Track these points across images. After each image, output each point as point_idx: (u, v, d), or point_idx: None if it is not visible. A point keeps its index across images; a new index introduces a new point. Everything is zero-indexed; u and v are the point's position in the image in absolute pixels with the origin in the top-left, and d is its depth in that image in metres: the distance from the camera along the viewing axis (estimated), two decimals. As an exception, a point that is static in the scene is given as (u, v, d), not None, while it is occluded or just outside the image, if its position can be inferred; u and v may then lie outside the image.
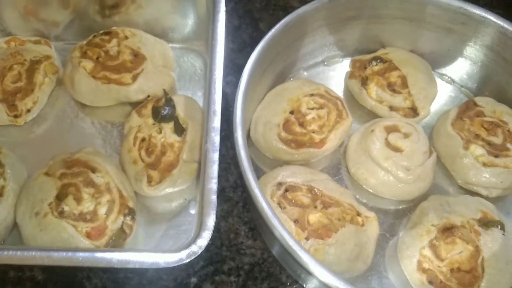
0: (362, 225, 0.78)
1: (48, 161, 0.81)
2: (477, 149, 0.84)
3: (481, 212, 0.79)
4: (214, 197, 0.67)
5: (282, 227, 0.65)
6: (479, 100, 0.90)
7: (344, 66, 1.00)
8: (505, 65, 0.89)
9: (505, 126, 0.86)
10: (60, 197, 0.74)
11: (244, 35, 1.04)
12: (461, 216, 0.78)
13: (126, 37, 0.92)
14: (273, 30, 0.83)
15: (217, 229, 0.79)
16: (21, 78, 0.88)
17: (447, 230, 0.77)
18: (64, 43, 0.98)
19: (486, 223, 0.77)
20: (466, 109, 0.89)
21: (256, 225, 0.82)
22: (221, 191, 0.85)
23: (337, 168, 0.89)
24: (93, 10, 0.95)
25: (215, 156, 0.70)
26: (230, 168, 0.88)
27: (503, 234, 0.77)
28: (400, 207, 0.85)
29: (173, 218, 0.81)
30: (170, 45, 0.97)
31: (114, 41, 0.91)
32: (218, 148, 0.71)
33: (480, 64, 0.93)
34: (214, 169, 0.69)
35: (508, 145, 0.84)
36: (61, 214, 0.73)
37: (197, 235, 0.64)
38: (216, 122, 0.73)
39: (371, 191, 0.85)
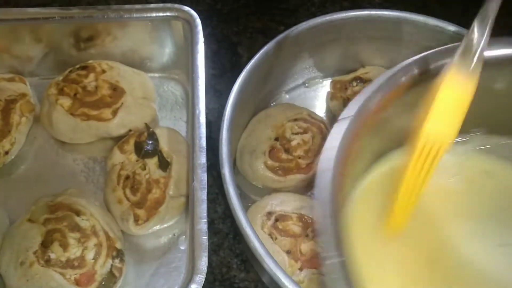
0: (355, 250, 0.78)
1: (30, 204, 0.79)
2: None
3: None
4: (204, 238, 0.66)
5: (275, 264, 0.64)
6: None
7: (325, 86, 1.00)
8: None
9: None
10: (46, 244, 0.72)
11: (224, 60, 1.03)
12: None
13: (104, 71, 0.90)
14: (253, 60, 0.82)
15: (208, 263, 0.78)
16: (-4, 119, 0.86)
17: None
18: (39, 78, 0.96)
19: None
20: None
21: (248, 256, 0.81)
22: (210, 223, 0.83)
23: (325, 192, 0.89)
24: (68, 44, 0.93)
25: (203, 194, 0.69)
26: (218, 198, 0.87)
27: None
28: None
29: (163, 255, 0.80)
30: (149, 74, 0.96)
31: (92, 75, 0.89)
32: (205, 186, 0.70)
33: (458, 79, 0.94)
34: (203, 209, 0.68)
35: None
36: (48, 262, 0.71)
37: (190, 279, 0.63)
38: (203, 158, 0.72)
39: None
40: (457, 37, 0.87)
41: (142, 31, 0.92)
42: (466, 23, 0.87)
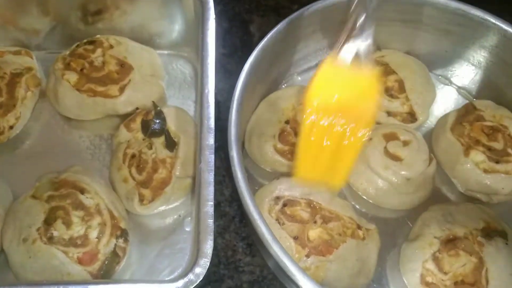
0: (363, 238, 0.76)
1: (34, 180, 0.78)
2: (478, 155, 0.82)
3: (483, 221, 0.77)
4: (210, 221, 0.64)
5: (281, 249, 0.62)
6: (478, 103, 0.88)
7: (338, 69, 0.96)
8: (505, 67, 0.87)
9: (505, 130, 0.84)
10: (49, 222, 0.71)
11: (235, 39, 1.00)
12: (464, 227, 0.76)
13: (111, 46, 0.87)
14: (264, 40, 0.79)
15: (214, 246, 0.76)
16: (1, 93, 0.83)
17: (450, 242, 0.75)
18: (46, 52, 0.93)
19: (489, 233, 0.76)
20: (465, 113, 0.87)
21: (254, 241, 0.80)
22: (216, 206, 0.81)
23: (335, 177, 0.86)
24: (75, 17, 0.90)
25: (210, 176, 0.67)
26: (225, 181, 0.85)
27: (507, 244, 0.75)
28: (400, 215, 0.83)
29: (168, 236, 0.78)
30: (158, 51, 0.93)
31: (99, 50, 0.86)
32: (213, 168, 0.68)
33: (478, 66, 0.90)
34: (209, 191, 0.66)
35: (509, 150, 0.83)
36: (51, 239, 0.70)
37: (195, 262, 0.62)
38: (211, 139, 0.70)
39: (370, 201, 0.83)
40: (480, 21, 0.84)
41: (151, 6, 0.89)
42: (489, 7, 0.83)
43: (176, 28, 0.93)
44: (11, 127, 0.84)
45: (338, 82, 0.63)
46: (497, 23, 0.83)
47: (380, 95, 0.88)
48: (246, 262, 0.78)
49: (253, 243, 0.80)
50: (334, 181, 0.70)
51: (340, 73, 0.63)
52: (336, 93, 0.64)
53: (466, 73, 0.93)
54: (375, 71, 0.65)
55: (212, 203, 0.66)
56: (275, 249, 0.62)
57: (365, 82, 0.65)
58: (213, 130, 0.71)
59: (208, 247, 0.63)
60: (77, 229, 0.71)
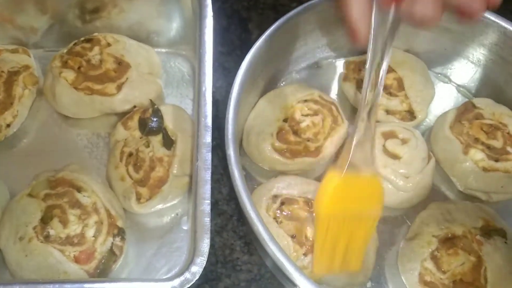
0: (361, 237, 0.75)
1: (31, 178, 0.78)
2: (477, 154, 0.82)
3: (482, 220, 0.77)
4: (207, 220, 0.64)
5: (278, 248, 0.62)
6: (477, 101, 0.87)
7: (337, 67, 0.96)
8: (504, 65, 0.86)
9: (505, 128, 0.84)
10: (45, 220, 0.71)
11: (233, 37, 0.99)
12: (462, 225, 0.75)
13: (109, 44, 0.87)
14: (263, 37, 0.79)
15: (211, 245, 0.76)
16: (-2, 91, 0.83)
17: (449, 241, 0.75)
18: (44, 50, 0.93)
19: (488, 231, 0.75)
20: (465, 111, 0.86)
21: (251, 239, 0.79)
22: (214, 204, 0.82)
23: (333, 176, 0.86)
24: (73, 15, 0.90)
25: (207, 175, 0.67)
26: (222, 179, 0.85)
27: (506, 243, 0.75)
28: (399, 214, 0.83)
29: (165, 234, 0.78)
30: (156, 49, 0.93)
31: (96, 49, 0.86)
32: (210, 166, 0.68)
33: (478, 64, 0.90)
34: (206, 189, 0.66)
35: (508, 148, 0.82)
36: (47, 238, 0.70)
37: (191, 261, 0.61)
38: (208, 137, 0.70)
39: (369, 200, 0.82)
40: (481, 20, 0.83)
41: (149, 4, 0.89)
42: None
43: (174, 26, 0.92)
44: (8, 125, 0.83)
45: (345, 189, 0.67)
46: (497, 20, 0.83)
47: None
48: (244, 260, 0.78)
49: (251, 241, 0.79)
50: (351, 267, 0.72)
51: (346, 180, 0.67)
52: (344, 201, 0.67)
53: (466, 71, 0.93)
54: (376, 174, 0.71)
55: (208, 201, 0.65)
56: (272, 248, 0.61)
57: (370, 184, 0.69)
58: (210, 128, 0.71)
59: (205, 245, 0.62)
60: (74, 228, 0.71)
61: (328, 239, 0.69)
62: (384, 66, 0.63)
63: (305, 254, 0.71)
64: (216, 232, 0.80)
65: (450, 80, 0.96)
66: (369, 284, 0.77)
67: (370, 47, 0.61)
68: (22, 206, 0.72)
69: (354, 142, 0.66)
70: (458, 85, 0.95)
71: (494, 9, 0.53)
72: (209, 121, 0.71)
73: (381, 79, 0.63)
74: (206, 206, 0.65)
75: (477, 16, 0.50)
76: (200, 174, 0.67)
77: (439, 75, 0.96)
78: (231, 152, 0.68)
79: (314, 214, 0.71)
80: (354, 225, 0.69)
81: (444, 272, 0.73)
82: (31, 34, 0.92)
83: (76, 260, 0.69)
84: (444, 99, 0.94)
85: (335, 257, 0.71)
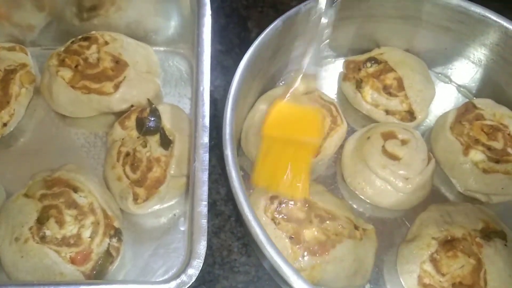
0: (360, 238, 0.75)
1: (28, 178, 0.77)
2: (477, 155, 0.81)
3: (482, 222, 0.76)
4: (204, 221, 0.63)
5: (275, 251, 0.61)
6: (478, 102, 0.87)
7: (337, 66, 0.95)
8: (505, 65, 0.85)
9: (505, 129, 0.83)
10: (41, 221, 0.70)
11: (232, 35, 0.99)
12: (462, 228, 0.75)
13: (106, 43, 0.86)
14: (262, 36, 0.78)
15: (209, 246, 0.75)
16: (-5, 89, 0.83)
17: (448, 243, 0.74)
18: (41, 48, 0.92)
19: (488, 234, 0.75)
20: (465, 112, 0.86)
21: (249, 240, 0.79)
22: (212, 205, 0.81)
23: (333, 176, 0.85)
24: (71, 13, 0.89)
25: (204, 176, 0.66)
26: (221, 179, 0.84)
27: (506, 245, 0.74)
28: (398, 215, 0.82)
29: (162, 235, 0.77)
30: (154, 48, 0.92)
31: (94, 47, 0.85)
32: (207, 167, 0.67)
33: (478, 64, 0.89)
34: (203, 191, 0.65)
35: (509, 149, 0.81)
36: (43, 239, 0.69)
37: (187, 263, 0.61)
38: (205, 138, 0.69)
39: (368, 201, 0.82)
40: (481, 19, 0.82)
41: (147, 2, 0.88)
42: (490, 4, 0.82)
43: (172, 24, 0.91)
44: (5, 124, 0.83)
45: (287, 115, 0.72)
46: (498, 20, 0.82)
47: (379, 94, 0.87)
48: (242, 262, 0.77)
49: (249, 243, 0.79)
50: (299, 194, 0.73)
51: (290, 108, 0.72)
52: (285, 125, 0.72)
53: (466, 71, 0.92)
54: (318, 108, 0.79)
55: (205, 203, 0.65)
56: (270, 251, 0.61)
57: (311, 115, 0.73)
58: (208, 129, 0.70)
59: (201, 247, 0.62)
60: (70, 228, 0.70)
61: (269, 156, 0.72)
62: None
63: (303, 256, 0.71)
64: (213, 233, 0.79)
65: (450, 80, 0.95)
66: (367, 286, 0.76)
67: None
68: (18, 206, 0.72)
69: (301, 75, 0.72)
70: (459, 85, 0.95)
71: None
72: (206, 121, 0.71)
73: None
74: (203, 207, 0.64)
75: None
76: (197, 175, 0.66)
77: (440, 75, 0.95)
78: (228, 152, 0.67)
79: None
80: (293, 148, 0.72)
81: (443, 275, 0.72)
82: (28, 31, 0.91)
83: (72, 261, 0.69)
84: (444, 99, 0.93)
85: (275, 175, 0.72)
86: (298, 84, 0.72)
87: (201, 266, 0.61)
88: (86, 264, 0.70)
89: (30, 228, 0.69)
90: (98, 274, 0.70)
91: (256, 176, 0.73)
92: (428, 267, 0.73)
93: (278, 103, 0.72)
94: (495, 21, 0.82)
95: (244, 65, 0.75)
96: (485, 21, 0.82)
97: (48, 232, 0.69)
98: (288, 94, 0.72)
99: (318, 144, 0.79)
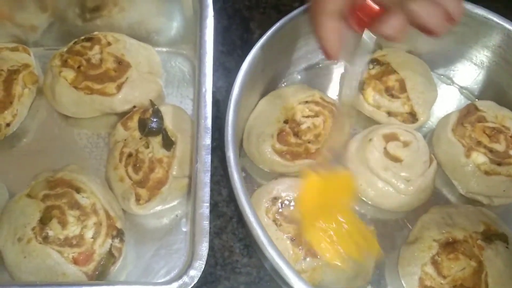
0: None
1: (30, 178, 0.77)
2: (479, 157, 0.81)
3: (483, 224, 0.76)
4: (206, 223, 0.63)
5: (277, 253, 0.61)
6: (480, 104, 0.87)
7: (339, 67, 0.95)
8: (507, 67, 0.85)
9: (507, 132, 0.83)
10: (44, 221, 0.70)
11: (234, 37, 0.99)
12: (463, 230, 0.75)
13: (109, 43, 0.86)
14: (264, 37, 0.78)
15: (210, 247, 0.75)
16: (-2, 90, 0.83)
17: (449, 245, 0.74)
18: (44, 48, 0.92)
19: (489, 236, 0.75)
20: (467, 114, 0.85)
21: (251, 242, 0.79)
22: (213, 206, 0.81)
23: (334, 178, 0.85)
24: (73, 14, 0.89)
25: (206, 177, 0.66)
26: (223, 180, 0.84)
27: (507, 247, 0.74)
28: (400, 217, 0.82)
29: (164, 236, 0.78)
30: (156, 49, 0.92)
31: (96, 48, 0.85)
32: (209, 169, 0.67)
33: (481, 65, 0.89)
34: (205, 192, 0.65)
35: (511, 152, 0.81)
36: (46, 239, 0.69)
37: (189, 265, 0.61)
38: (207, 139, 0.69)
39: (369, 203, 0.82)
40: (484, 21, 0.82)
41: (150, 3, 0.88)
42: (493, 6, 0.82)
43: (174, 25, 0.92)
44: (7, 125, 0.83)
45: (322, 188, 0.70)
46: (501, 22, 0.82)
47: (381, 95, 0.87)
48: (243, 263, 0.78)
49: (250, 244, 0.79)
50: (373, 251, 0.73)
51: (322, 180, 0.70)
52: (324, 200, 0.70)
53: (469, 72, 0.92)
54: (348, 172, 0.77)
55: (207, 204, 0.65)
56: (271, 253, 0.61)
57: (345, 181, 0.74)
58: (210, 130, 0.71)
59: (203, 249, 0.62)
60: (73, 229, 0.71)
61: (322, 236, 0.70)
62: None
63: (304, 258, 0.71)
64: (215, 234, 0.79)
65: (453, 82, 0.95)
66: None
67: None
68: (21, 207, 0.72)
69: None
70: (461, 87, 0.95)
71: (454, 26, 0.56)
72: (208, 122, 0.71)
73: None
74: (205, 209, 0.64)
75: (439, 35, 0.56)
76: (199, 176, 0.67)
77: (442, 76, 0.95)
78: (230, 154, 0.68)
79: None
80: (335, 214, 0.71)
81: (444, 277, 0.72)
82: (31, 32, 0.91)
83: (75, 261, 0.69)
84: (446, 101, 0.93)
85: (339, 246, 0.70)
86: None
87: (203, 267, 0.61)
88: (89, 264, 0.70)
89: (33, 229, 0.70)
90: (100, 274, 0.71)
91: (332, 257, 0.70)
92: (430, 269, 0.73)
93: (310, 178, 0.70)
94: (498, 23, 0.82)
95: (246, 67, 0.75)
96: (488, 23, 0.82)
97: (50, 233, 0.70)
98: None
99: (353, 204, 0.78)
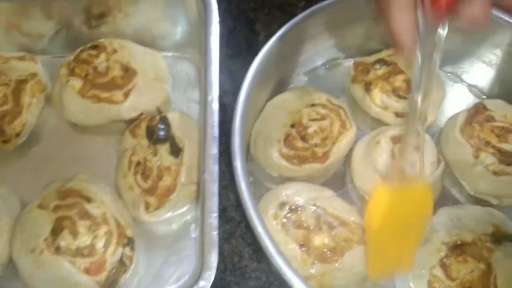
0: (370, 244, 0.75)
1: (41, 187, 0.78)
2: (488, 158, 0.80)
3: (492, 225, 0.76)
4: (215, 233, 0.64)
5: (285, 263, 0.62)
6: (489, 103, 0.86)
7: (345, 68, 0.95)
8: (517, 65, 0.84)
9: None
10: (56, 232, 0.71)
11: (239, 38, 0.98)
12: (472, 232, 0.75)
13: (115, 51, 0.86)
14: (270, 42, 0.78)
15: (220, 252, 0.76)
16: (7, 100, 0.83)
17: (458, 248, 0.74)
18: (51, 56, 0.93)
19: (498, 238, 0.75)
20: (475, 113, 0.85)
21: (260, 247, 0.80)
22: (222, 211, 0.82)
23: (342, 180, 0.85)
24: (79, 21, 0.89)
25: (214, 187, 0.67)
26: (230, 185, 0.84)
27: (516, 249, 0.74)
28: (408, 218, 0.82)
29: (174, 242, 0.79)
30: (162, 54, 0.92)
31: (103, 55, 0.86)
32: (217, 179, 0.68)
33: (489, 64, 0.88)
34: (213, 202, 0.66)
35: (520, 152, 0.81)
36: (58, 250, 0.70)
37: (199, 275, 0.62)
38: (215, 148, 0.70)
39: (378, 205, 0.82)
40: (494, 21, 0.81)
41: (154, 8, 0.88)
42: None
43: (179, 29, 0.92)
44: (17, 135, 0.84)
45: (396, 203, 0.67)
46: (510, 20, 0.81)
47: (388, 96, 0.87)
48: (253, 268, 0.78)
49: (259, 248, 0.79)
50: (403, 268, 0.74)
51: (397, 194, 0.66)
52: (395, 214, 0.67)
53: (477, 71, 0.91)
54: (426, 182, 0.70)
55: (216, 214, 0.66)
56: (280, 263, 0.62)
57: (420, 194, 0.69)
58: (217, 139, 0.71)
59: (213, 260, 0.63)
60: (84, 239, 0.72)
61: (380, 248, 0.71)
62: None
63: (313, 263, 0.71)
64: (224, 239, 0.80)
65: (461, 80, 0.94)
66: (378, 291, 0.77)
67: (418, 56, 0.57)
68: (33, 218, 0.73)
69: (403, 154, 0.65)
70: (470, 85, 0.94)
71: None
72: (216, 131, 0.71)
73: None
74: (213, 219, 0.65)
75: None
76: (207, 186, 0.67)
77: (450, 74, 0.94)
78: (237, 164, 0.68)
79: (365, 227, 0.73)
80: (404, 232, 0.70)
81: (453, 280, 0.72)
82: (38, 40, 0.92)
83: (87, 271, 0.70)
84: (455, 99, 0.93)
85: (387, 263, 0.73)
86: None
87: (213, 278, 0.62)
88: (101, 274, 0.71)
89: (45, 240, 0.71)
90: (112, 283, 0.72)
91: (371, 271, 0.73)
92: (438, 272, 0.73)
93: (385, 193, 0.67)
94: (507, 22, 0.81)
95: (251, 74, 0.75)
96: (498, 22, 0.81)
97: (62, 243, 0.71)
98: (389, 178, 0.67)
99: (429, 219, 0.74)
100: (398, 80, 0.87)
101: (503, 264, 0.72)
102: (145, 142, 0.81)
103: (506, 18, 0.80)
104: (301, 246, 0.73)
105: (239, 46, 0.97)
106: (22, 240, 0.72)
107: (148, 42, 0.92)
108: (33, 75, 0.87)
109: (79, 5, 0.87)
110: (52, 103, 0.88)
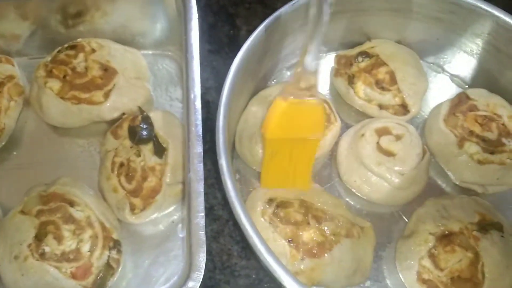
0: (358, 237, 0.75)
1: (23, 192, 0.77)
2: (472, 147, 0.81)
3: (478, 214, 0.77)
4: (202, 233, 0.63)
5: (275, 260, 0.62)
6: (471, 92, 0.86)
7: (328, 61, 0.94)
8: (497, 54, 0.85)
9: (499, 119, 0.83)
10: (39, 237, 0.70)
11: (221, 34, 0.97)
12: (459, 222, 0.75)
13: (94, 50, 0.85)
14: (251, 38, 0.77)
15: (208, 251, 0.76)
16: (-17, 105, 0.81)
17: (445, 238, 0.74)
18: (28, 58, 0.91)
19: (485, 226, 0.75)
20: (459, 103, 0.85)
21: (248, 244, 0.79)
22: (209, 210, 0.81)
23: (328, 175, 0.85)
24: (55, 21, 0.87)
25: (200, 186, 0.66)
26: (217, 183, 0.84)
27: (502, 236, 0.75)
28: (395, 210, 0.83)
29: (162, 243, 0.78)
30: (142, 52, 0.91)
31: (81, 55, 0.84)
32: (202, 178, 0.67)
33: (471, 53, 0.89)
34: (200, 202, 0.65)
35: (503, 140, 0.81)
36: (42, 256, 0.69)
37: (187, 276, 0.61)
38: (199, 147, 0.69)
39: (365, 198, 0.82)
40: (472, 8, 0.81)
41: (133, 6, 0.87)
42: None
43: (159, 27, 0.90)
44: (-4, 140, 0.82)
45: (290, 115, 0.70)
46: (489, 10, 0.81)
47: (371, 89, 0.87)
48: (242, 265, 0.78)
49: (248, 246, 0.79)
50: (300, 186, 0.77)
51: (291, 107, 0.69)
52: (289, 125, 0.71)
53: (459, 60, 0.91)
54: (320, 102, 0.72)
55: (203, 214, 0.65)
56: (269, 260, 0.61)
57: (313, 110, 0.71)
58: (201, 137, 0.70)
59: (201, 260, 0.62)
60: (69, 244, 0.70)
61: (273, 158, 0.74)
62: None
63: (302, 258, 0.71)
64: (212, 237, 0.79)
65: (443, 70, 0.94)
66: (368, 283, 0.77)
67: None
68: (15, 224, 0.71)
69: (299, 70, 0.68)
70: (452, 75, 0.94)
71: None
72: (199, 129, 0.70)
73: None
74: (200, 219, 0.64)
75: None
76: (192, 186, 0.66)
77: (432, 65, 0.95)
78: (223, 162, 0.67)
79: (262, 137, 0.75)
80: (298, 147, 0.74)
81: (441, 270, 0.73)
82: (14, 41, 0.89)
83: (73, 276, 0.69)
84: (438, 90, 0.93)
85: (281, 174, 0.76)
86: (299, 81, 0.69)
87: (201, 278, 0.61)
88: (87, 278, 0.70)
89: (29, 246, 0.69)
90: (100, 286, 0.71)
91: (264, 180, 0.78)
92: (427, 262, 0.74)
93: (278, 103, 0.69)
94: (486, 11, 0.81)
95: (234, 70, 0.74)
96: (476, 11, 0.82)
97: (47, 249, 0.69)
98: (287, 92, 0.69)
99: (322, 137, 0.78)
100: (381, 73, 0.87)
101: (490, 252, 0.73)
102: (127, 142, 0.79)
103: (485, 7, 0.81)
104: (290, 241, 0.72)
105: (221, 42, 0.96)
106: (5, 247, 0.70)
107: (128, 40, 0.90)
108: (10, 77, 0.85)
109: (55, 4, 0.85)
110: (31, 106, 0.86)
